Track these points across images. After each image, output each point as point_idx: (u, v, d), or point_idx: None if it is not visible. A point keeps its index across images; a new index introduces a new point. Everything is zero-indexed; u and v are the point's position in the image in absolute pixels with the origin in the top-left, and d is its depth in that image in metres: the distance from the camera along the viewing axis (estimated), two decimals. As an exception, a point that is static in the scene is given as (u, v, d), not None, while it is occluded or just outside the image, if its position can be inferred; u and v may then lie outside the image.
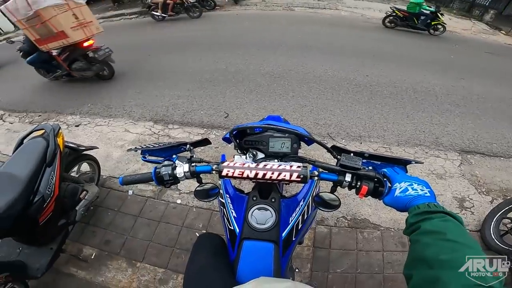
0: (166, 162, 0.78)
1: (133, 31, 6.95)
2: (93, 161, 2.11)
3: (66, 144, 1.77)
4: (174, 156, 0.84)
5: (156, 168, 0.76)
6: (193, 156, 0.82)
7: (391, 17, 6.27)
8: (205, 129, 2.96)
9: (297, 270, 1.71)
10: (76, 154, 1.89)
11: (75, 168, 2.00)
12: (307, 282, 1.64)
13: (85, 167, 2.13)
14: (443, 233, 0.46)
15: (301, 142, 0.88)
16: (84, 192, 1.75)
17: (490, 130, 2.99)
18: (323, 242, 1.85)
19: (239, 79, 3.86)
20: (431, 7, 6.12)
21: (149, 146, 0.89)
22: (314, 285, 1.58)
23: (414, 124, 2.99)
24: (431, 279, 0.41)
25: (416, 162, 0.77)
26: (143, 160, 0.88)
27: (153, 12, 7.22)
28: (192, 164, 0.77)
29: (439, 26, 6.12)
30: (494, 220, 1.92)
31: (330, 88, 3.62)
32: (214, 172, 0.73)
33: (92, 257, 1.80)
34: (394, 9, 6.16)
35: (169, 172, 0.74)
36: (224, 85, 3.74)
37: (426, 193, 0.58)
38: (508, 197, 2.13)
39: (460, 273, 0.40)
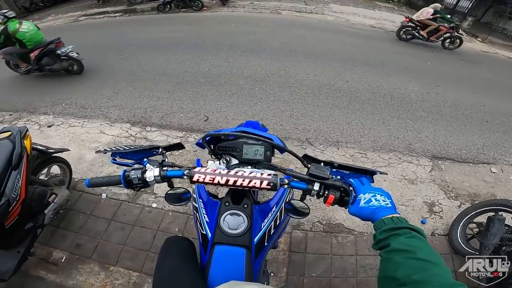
0: (136, 166, 0.77)
1: (116, 29, 6.77)
2: (64, 163, 2.07)
3: (34, 146, 1.74)
4: (145, 159, 0.82)
5: (125, 171, 0.75)
6: (165, 160, 0.81)
7: None
8: (184, 132, 2.93)
9: (272, 274, 1.72)
10: (45, 157, 1.86)
11: (45, 171, 1.96)
12: (282, 286, 1.67)
13: (55, 169, 2.08)
14: (413, 252, 0.50)
15: (275, 150, 0.89)
16: (53, 195, 1.72)
17: (460, 137, 3.13)
18: (299, 246, 1.88)
19: (221, 81, 3.84)
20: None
21: (119, 148, 0.87)
22: None
23: (389, 130, 3.08)
24: None
25: (381, 173, 0.83)
26: (112, 162, 0.86)
27: (412, 31, 6.27)
28: (163, 168, 0.77)
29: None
30: (461, 225, 1.97)
31: (311, 93, 3.66)
32: (185, 177, 0.73)
33: (62, 260, 1.78)
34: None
35: (138, 175, 0.73)
36: (205, 87, 3.71)
37: (387, 204, 0.63)
38: (476, 202, 2.20)
39: None
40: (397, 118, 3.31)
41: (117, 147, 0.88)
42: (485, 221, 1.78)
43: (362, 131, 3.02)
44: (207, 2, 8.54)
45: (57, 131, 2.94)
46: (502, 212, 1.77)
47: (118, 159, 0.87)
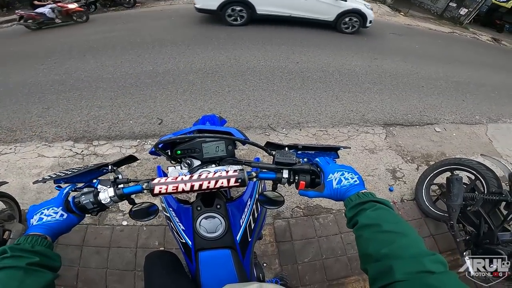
0: (85, 190, 0.69)
1: (28, 37, 5.76)
2: (6, 197, 1.83)
3: None
4: (95, 180, 0.74)
5: (74, 197, 0.67)
6: (118, 177, 0.73)
7: None
8: (138, 140, 2.64)
9: (265, 264, 1.70)
10: None
11: None
12: (276, 274, 1.67)
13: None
14: (378, 225, 0.50)
15: (236, 142, 0.84)
16: (7, 232, 1.61)
17: (404, 103, 3.46)
18: (284, 235, 1.86)
19: (169, 79, 3.56)
20: None
21: (60, 174, 0.74)
22: (284, 276, 1.60)
23: (343, 105, 3.23)
24: (382, 270, 0.44)
25: (344, 148, 0.85)
26: (57, 189, 0.72)
27: None
28: (118, 186, 0.70)
29: None
30: (423, 188, 2.05)
31: (265, 78, 3.64)
32: (145, 191, 0.68)
33: None
34: None
35: (91, 199, 0.66)
36: (153, 88, 3.39)
37: (356, 181, 0.63)
38: (431, 163, 2.33)
39: (402, 261, 0.43)
40: (348, 92, 3.50)
41: (58, 173, 0.77)
42: (445, 182, 1.81)
43: (319, 109, 3.12)
44: (139, -3, 7.83)
45: (-13, 162, 2.40)
46: (457, 171, 1.86)
47: (64, 185, 0.75)
